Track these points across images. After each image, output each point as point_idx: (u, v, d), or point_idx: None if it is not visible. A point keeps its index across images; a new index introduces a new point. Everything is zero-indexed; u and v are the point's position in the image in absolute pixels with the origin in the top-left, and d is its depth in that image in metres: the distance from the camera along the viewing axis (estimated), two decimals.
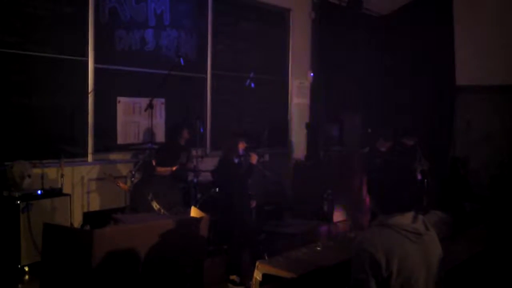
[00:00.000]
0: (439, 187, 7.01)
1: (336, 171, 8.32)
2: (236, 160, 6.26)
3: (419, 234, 2.53)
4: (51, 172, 6.06)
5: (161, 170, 4.77)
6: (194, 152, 7.31)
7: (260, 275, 3.66)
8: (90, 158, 6.51)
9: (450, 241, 4.18)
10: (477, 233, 5.02)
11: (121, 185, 6.15)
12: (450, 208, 5.10)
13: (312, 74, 9.84)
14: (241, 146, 6.22)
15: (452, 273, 3.42)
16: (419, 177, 6.94)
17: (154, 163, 4.83)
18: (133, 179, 6.22)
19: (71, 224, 5.79)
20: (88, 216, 6.42)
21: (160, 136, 7.15)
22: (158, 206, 4.55)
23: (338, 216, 8.07)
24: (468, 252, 4.34)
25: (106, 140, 6.67)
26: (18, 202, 5.22)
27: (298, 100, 9.65)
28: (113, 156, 6.76)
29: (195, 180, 6.62)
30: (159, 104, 7.15)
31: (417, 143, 7.53)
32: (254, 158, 6.20)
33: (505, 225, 5.05)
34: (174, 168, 4.86)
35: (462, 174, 7.22)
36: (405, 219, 2.55)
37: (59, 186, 5.87)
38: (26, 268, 5.20)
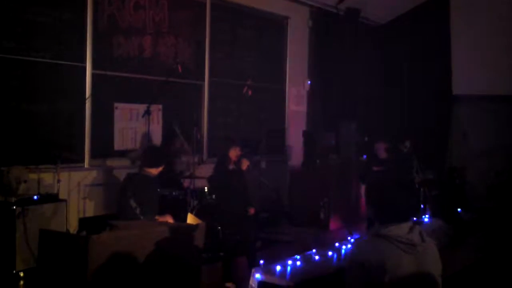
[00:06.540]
0: (436, 197, 7.02)
1: (333, 178, 8.33)
2: (230, 167, 6.24)
3: (413, 245, 2.54)
4: (48, 178, 6.03)
5: (149, 170, 4.99)
6: (191, 159, 7.30)
7: (256, 282, 3.65)
8: (86, 163, 6.50)
9: (448, 249, 4.19)
10: (475, 242, 5.03)
11: None
12: (447, 217, 5.12)
13: (309, 82, 9.87)
14: (234, 152, 6.19)
15: (451, 281, 3.42)
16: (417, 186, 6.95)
17: (140, 164, 5.00)
18: None
19: (67, 230, 5.76)
20: (84, 222, 6.39)
21: (157, 143, 7.13)
22: (134, 205, 4.71)
23: (334, 223, 8.06)
24: (466, 260, 4.35)
25: (103, 145, 6.66)
26: (14, 207, 5.19)
27: (295, 108, 9.67)
28: (110, 162, 6.74)
29: (191, 187, 6.61)
30: (156, 110, 7.14)
31: (412, 148, 7.52)
32: (244, 165, 6.18)
33: (503, 234, 5.07)
34: (159, 170, 5.03)
35: (458, 183, 7.24)
36: (401, 229, 2.56)
37: (55, 191, 5.85)
38: (21, 274, 5.16)
